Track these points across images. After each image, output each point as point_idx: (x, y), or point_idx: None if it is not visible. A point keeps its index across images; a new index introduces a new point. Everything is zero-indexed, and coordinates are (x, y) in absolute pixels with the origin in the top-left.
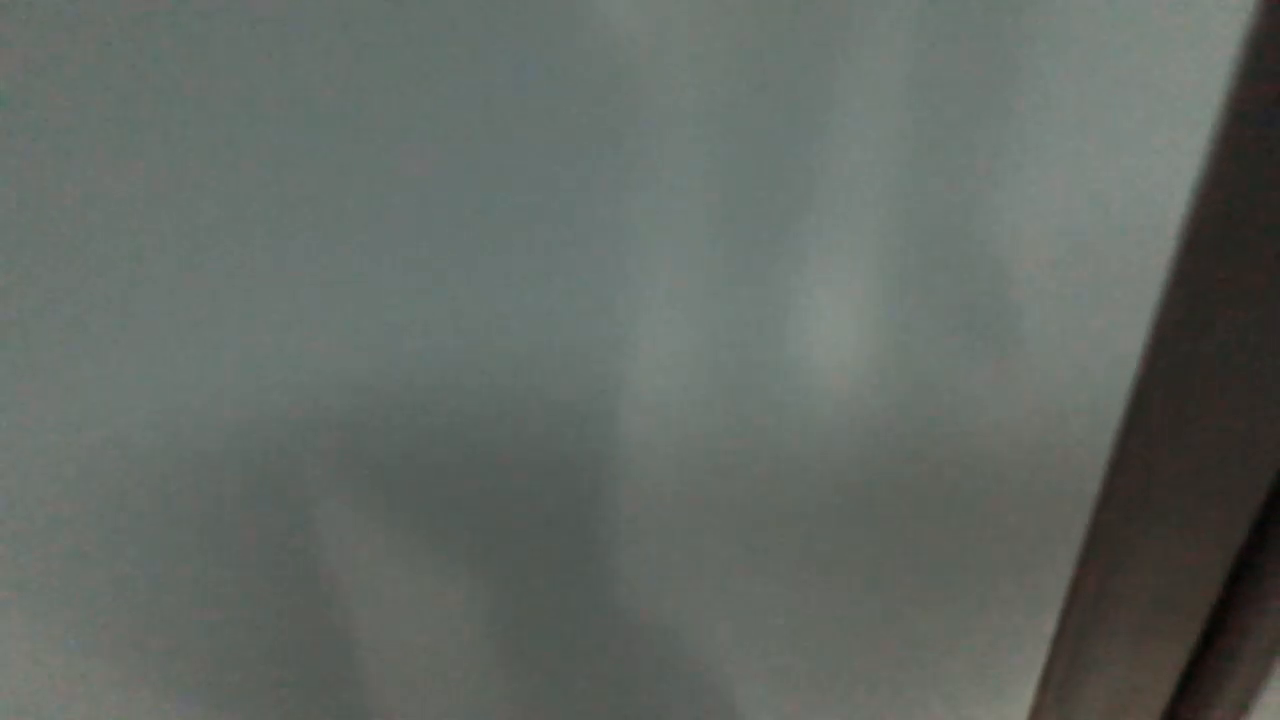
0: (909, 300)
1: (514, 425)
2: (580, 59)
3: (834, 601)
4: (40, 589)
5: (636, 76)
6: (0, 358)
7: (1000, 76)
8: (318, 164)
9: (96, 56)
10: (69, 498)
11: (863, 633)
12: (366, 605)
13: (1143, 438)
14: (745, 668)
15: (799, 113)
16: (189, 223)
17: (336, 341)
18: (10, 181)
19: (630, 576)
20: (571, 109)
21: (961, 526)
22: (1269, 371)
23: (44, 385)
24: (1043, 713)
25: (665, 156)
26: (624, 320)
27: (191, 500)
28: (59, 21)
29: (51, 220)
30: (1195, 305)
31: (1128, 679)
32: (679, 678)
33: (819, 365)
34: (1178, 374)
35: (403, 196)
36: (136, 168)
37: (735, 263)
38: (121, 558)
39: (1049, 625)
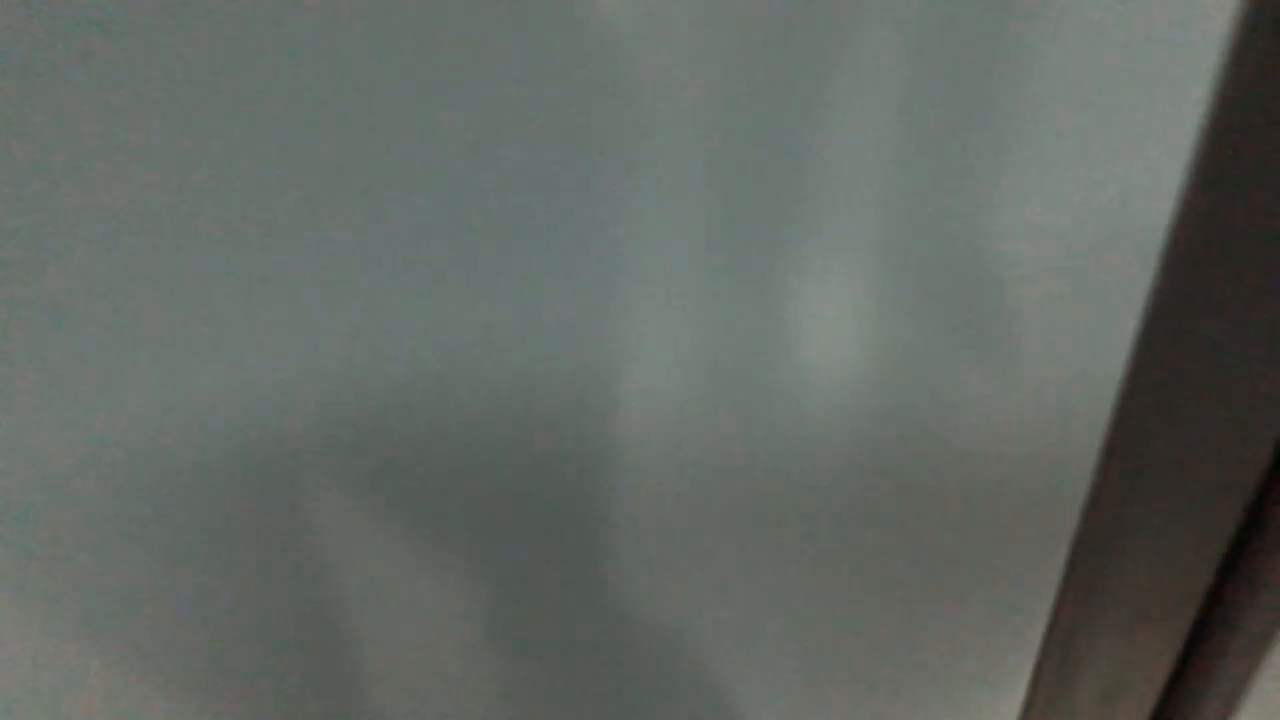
0: (901, 302)
1: (513, 426)
2: (579, 60)
3: (829, 597)
4: (40, 589)
5: (635, 79)
6: (2, 358)
7: (992, 84)
8: (317, 165)
9: (97, 57)
10: (69, 498)
11: (857, 628)
12: (366, 605)
13: (1131, 435)
14: (742, 667)
15: (794, 118)
16: (188, 226)
17: (338, 342)
18: (11, 182)
19: (628, 577)
20: (569, 110)
21: (955, 523)
22: (1255, 370)
23: (45, 386)
24: (1036, 704)
25: (664, 158)
26: (623, 322)
27: (190, 501)
28: (60, 21)
29: (53, 221)
30: (1182, 306)
31: (1119, 672)
32: (676, 677)
33: (813, 367)
34: (1165, 373)
35: (401, 199)
36: (138, 169)
37: (729, 264)
38: (122, 558)
39: (1041, 619)
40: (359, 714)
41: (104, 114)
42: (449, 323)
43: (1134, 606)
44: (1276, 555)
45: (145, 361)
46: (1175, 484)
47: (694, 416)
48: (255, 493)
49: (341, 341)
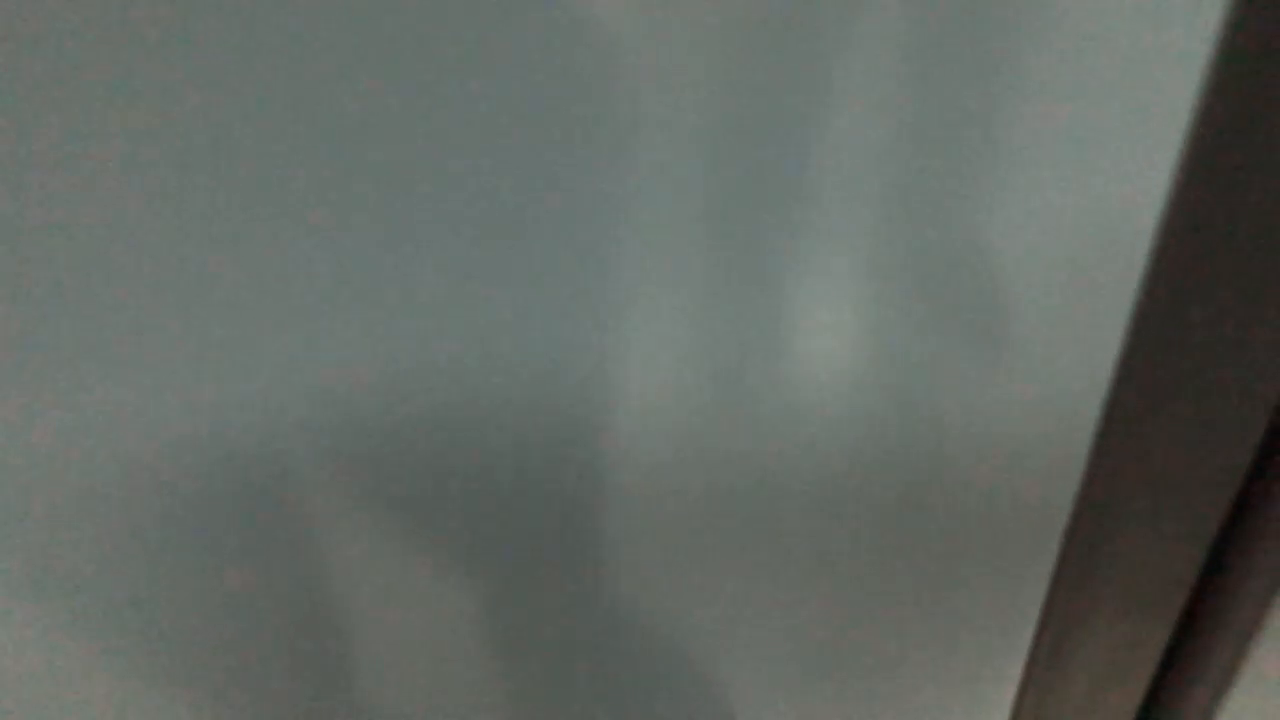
0: (892, 301)
1: (512, 426)
2: (575, 60)
3: (825, 593)
4: (40, 590)
5: (631, 80)
6: (4, 359)
7: (983, 82)
8: (316, 167)
9: (99, 57)
10: (70, 498)
11: (851, 624)
12: (364, 605)
13: (1121, 432)
14: (739, 666)
15: (786, 118)
16: (186, 228)
17: (337, 343)
18: (12, 182)
19: (623, 577)
20: (565, 111)
21: (948, 517)
22: (1241, 362)
23: (46, 387)
24: (1029, 690)
25: (659, 158)
26: (618, 321)
27: (186, 501)
28: (60, 21)
29: (55, 222)
30: (1170, 306)
31: (1112, 659)
32: (671, 676)
33: (806, 366)
34: (1154, 365)
35: (399, 200)
36: (139, 170)
37: (724, 263)
38: (122, 558)
39: (1034, 611)
40: (359, 713)
41: (105, 114)
42: (446, 325)
43: (1125, 596)
44: (1262, 547)
45: (145, 361)
46: (1164, 478)
47: (688, 416)
48: (253, 493)
49: (341, 341)
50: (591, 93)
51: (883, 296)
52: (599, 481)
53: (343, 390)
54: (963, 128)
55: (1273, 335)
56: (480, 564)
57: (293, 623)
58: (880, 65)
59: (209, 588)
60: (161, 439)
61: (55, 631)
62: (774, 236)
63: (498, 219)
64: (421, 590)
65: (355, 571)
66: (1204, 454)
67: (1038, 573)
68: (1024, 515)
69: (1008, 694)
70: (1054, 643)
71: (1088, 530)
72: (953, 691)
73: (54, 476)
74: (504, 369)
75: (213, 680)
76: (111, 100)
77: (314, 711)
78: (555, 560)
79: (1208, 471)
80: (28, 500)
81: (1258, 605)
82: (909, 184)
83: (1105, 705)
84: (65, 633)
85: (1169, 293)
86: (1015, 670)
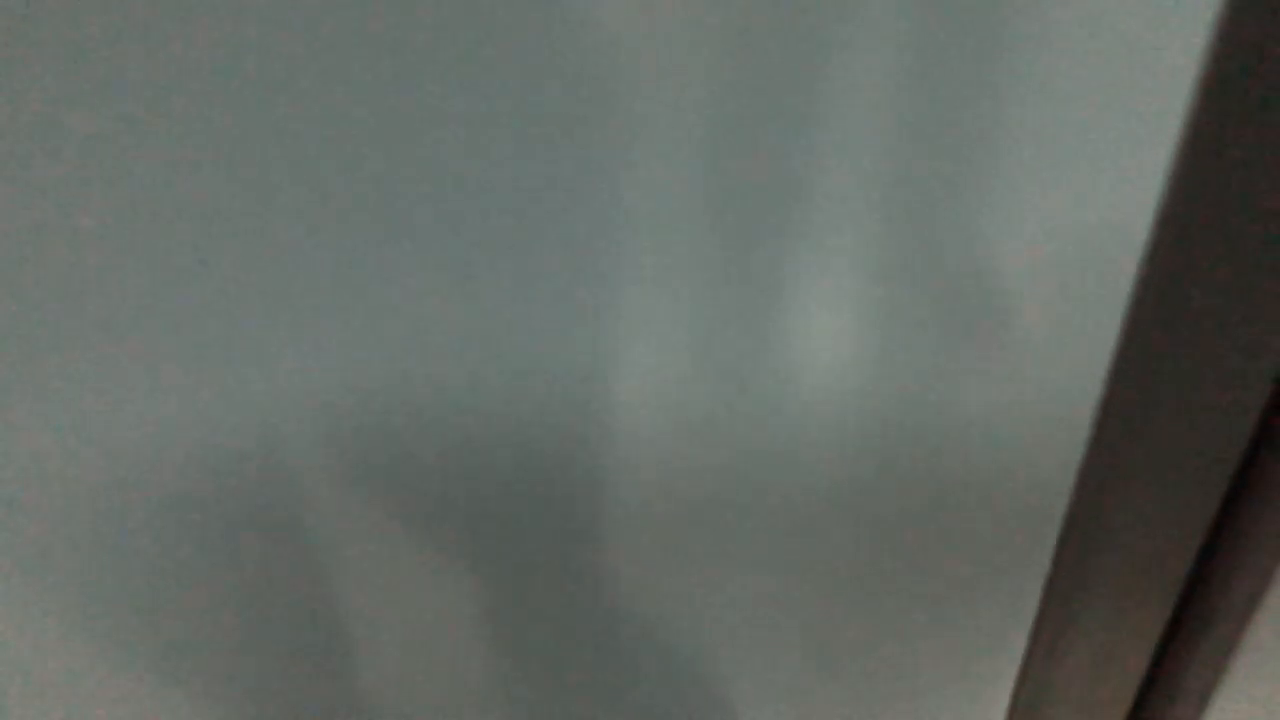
0: (890, 300)
1: (513, 427)
2: (572, 60)
3: (824, 591)
4: (41, 590)
5: (634, 79)
6: (8, 360)
7: (979, 84)
8: (316, 168)
9: (99, 58)
10: (71, 499)
11: (848, 623)
12: (363, 604)
13: (1115, 427)
14: (738, 666)
15: (784, 118)
16: (187, 230)
17: (339, 344)
18: (12, 183)
19: (623, 577)
20: (562, 111)
21: (946, 515)
22: (1233, 361)
23: (47, 388)
24: (1025, 686)
25: (658, 157)
26: (619, 322)
27: (189, 502)
28: (61, 21)
29: (57, 223)
30: (1162, 306)
31: (1107, 649)
32: (669, 676)
33: (804, 367)
34: (1148, 363)
35: (398, 202)
36: (139, 171)
37: (722, 264)
38: (122, 558)
39: (1031, 605)
40: (358, 713)
41: (105, 115)
42: (445, 326)
43: (1120, 593)
44: (1253, 544)
45: (145, 361)
46: (1158, 477)
47: (687, 416)
48: (254, 493)
49: (341, 342)
50: (596, 94)
51: (879, 297)
52: (600, 481)
53: (344, 390)
54: (958, 129)
55: (1265, 334)
56: (481, 564)
57: (293, 623)
58: (879, 67)
59: (209, 588)
60: (163, 440)
61: (55, 631)
62: (771, 239)
63: (499, 221)
64: (422, 590)
65: (355, 571)
66: (1197, 453)
67: (1034, 570)
68: (1020, 513)
69: (1004, 690)
70: (1050, 639)
71: (1083, 527)
72: (950, 687)
73: (54, 476)
74: (504, 369)
75: (213, 680)
76: (112, 100)
77: (314, 711)
78: (556, 560)
79: (1201, 470)
80: (29, 500)
81: (1250, 601)
82: (905, 185)
83: (1100, 701)
84: (65, 632)
85: (1163, 293)
86: (1012, 666)
